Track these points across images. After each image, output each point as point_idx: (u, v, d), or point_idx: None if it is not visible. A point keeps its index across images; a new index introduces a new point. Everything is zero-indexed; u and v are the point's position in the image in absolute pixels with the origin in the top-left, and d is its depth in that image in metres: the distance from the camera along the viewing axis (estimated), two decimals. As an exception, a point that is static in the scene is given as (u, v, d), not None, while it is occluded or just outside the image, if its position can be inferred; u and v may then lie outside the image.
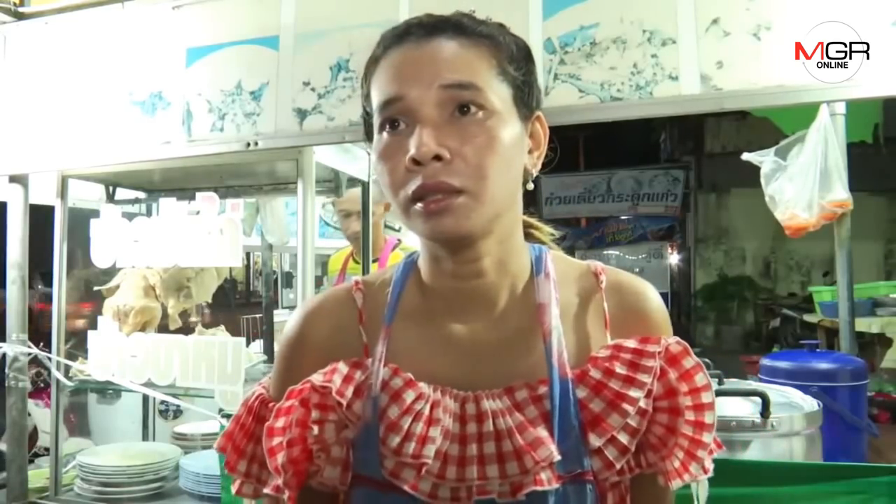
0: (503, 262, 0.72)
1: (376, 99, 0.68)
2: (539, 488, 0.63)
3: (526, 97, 0.70)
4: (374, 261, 2.71)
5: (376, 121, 0.68)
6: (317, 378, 0.69)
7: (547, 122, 0.75)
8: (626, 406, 0.65)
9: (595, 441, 0.65)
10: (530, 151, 0.73)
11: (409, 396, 0.67)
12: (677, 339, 0.69)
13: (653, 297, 0.75)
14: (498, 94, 0.67)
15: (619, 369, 0.67)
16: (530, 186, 0.75)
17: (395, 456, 0.65)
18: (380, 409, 0.68)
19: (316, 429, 0.68)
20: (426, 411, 0.67)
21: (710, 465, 0.69)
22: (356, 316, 0.75)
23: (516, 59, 0.70)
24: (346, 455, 0.70)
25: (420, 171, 0.63)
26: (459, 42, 0.67)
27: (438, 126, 0.64)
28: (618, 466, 0.66)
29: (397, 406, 0.67)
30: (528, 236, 0.82)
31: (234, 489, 0.73)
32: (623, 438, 0.66)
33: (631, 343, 0.69)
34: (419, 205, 0.64)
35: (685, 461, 0.67)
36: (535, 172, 0.74)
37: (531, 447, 0.64)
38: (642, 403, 0.66)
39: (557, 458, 0.64)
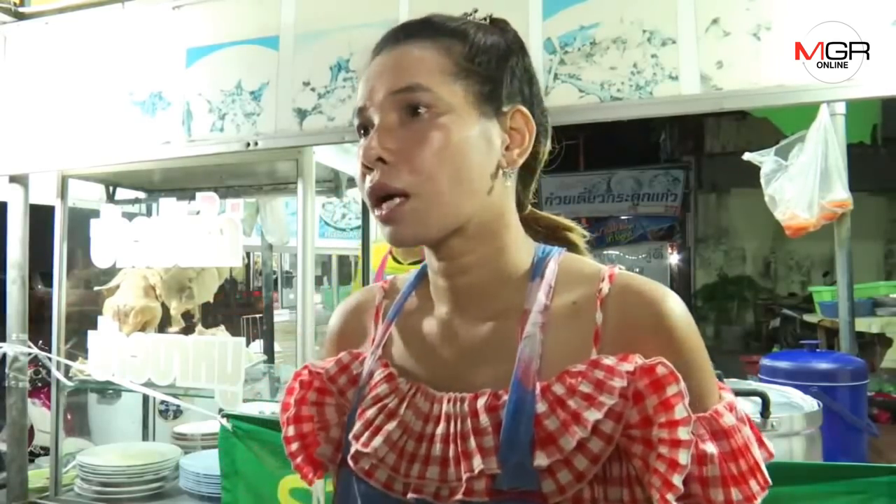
0: (489, 261, 0.71)
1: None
2: (466, 498, 0.62)
3: (493, 92, 0.69)
4: (417, 262, 2.71)
5: (354, 127, 0.72)
6: (316, 363, 0.77)
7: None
8: (577, 428, 0.60)
9: (541, 460, 0.60)
10: (508, 147, 0.70)
11: (384, 390, 0.71)
12: (663, 360, 0.60)
13: (669, 310, 0.65)
14: (452, 91, 0.67)
15: (584, 387, 0.61)
16: (510, 183, 0.71)
17: (354, 441, 0.69)
18: (360, 399, 0.72)
19: (315, 409, 0.76)
20: (393, 406, 0.70)
21: None
22: (373, 312, 0.81)
23: (482, 53, 0.69)
24: (341, 437, 0.75)
25: (370, 174, 0.67)
26: (420, 44, 0.68)
27: (389, 129, 0.66)
28: (570, 492, 0.60)
29: (370, 398, 0.71)
30: (561, 238, 0.80)
31: (287, 450, 0.79)
32: (580, 463, 0.60)
33: (608, 360, 0.62)
34: (377, 212, 0.67)
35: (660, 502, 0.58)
36: (511, 170, 0.71)
37: (467, 456, 0.63)
38: (606, 428, 0.60)
39: (494, 471, 0.61)
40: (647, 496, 0.61)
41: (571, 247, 0.79)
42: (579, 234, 0.81)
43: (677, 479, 0.57)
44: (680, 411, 0.59)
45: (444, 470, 0.65)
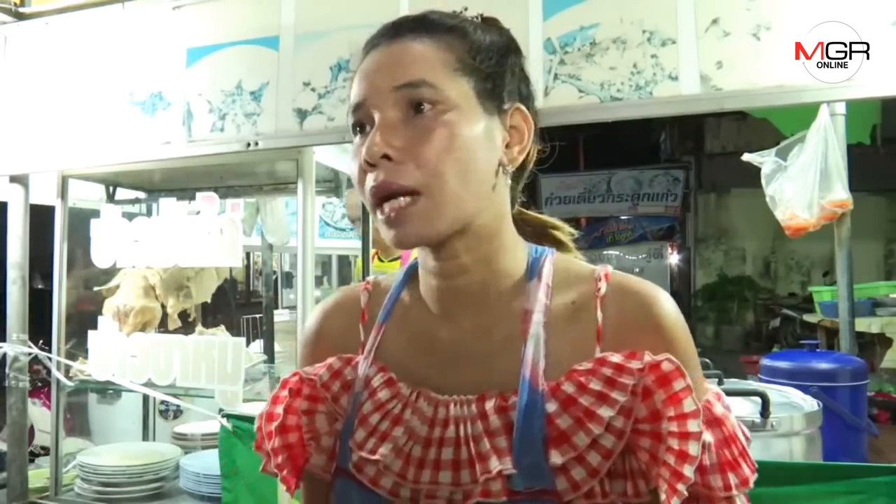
0: (488, 261, 0.70)
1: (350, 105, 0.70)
2: (483, 500, 0.62)
3: (495, 89, 0.69)
4: (396, 258, 2.77)
5: (349, 125, 0.70)
6: (307, 370, 0.74)
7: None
8: (592, 425, 0.61)
9: (556, 458, 0.61)
10: (508, 145, 0.70)
11: (385, 395, 0.69)
12: (669, 356, 0.62)
13: (664, 308, 0.67)
14: (457, 88, 0.66)
15: (594, 385, 0.62)
16: (508, 182, 0.72)
17: (358, 450, 0.67)
18: (358, 405, 0.70)
19: (305, 418, 0.73)
20: (397, 411, 0.68)
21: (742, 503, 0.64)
22: (359, 315, 0.78)
23: (485, 51, 0.69)
24: (334, 445, 0.73)
25: (373, 172, 0.64)
26: (420, 40, 0.67)
27: (392, 126, 0.65)
28: (584, 488, 0.61)
29: (372, 403, 0.69)
30: (548, 237, 0.81)
31: (261, 467, 0.75)
32: (593, 459, 0.61)
33: (615, 357, 0.63)
34: (380, 213, 0.65)
35: (668, 493, 0.59)
36: (511, 168, 0.70)
37: (482, 458, 0.62)
38: (617, 423, 0.61)
39: (511, 471, 0.61)
40: (650, 488, 0.62)
41: (560, 245, 0.80)
42: (566, 233, 0.82)
43: (688, 470, 0.59)
44: (688, 404, 0.61)
45: (456, 473, 0.64)
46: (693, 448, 0.59)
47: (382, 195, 0.64)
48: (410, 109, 0.65)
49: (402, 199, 0.63)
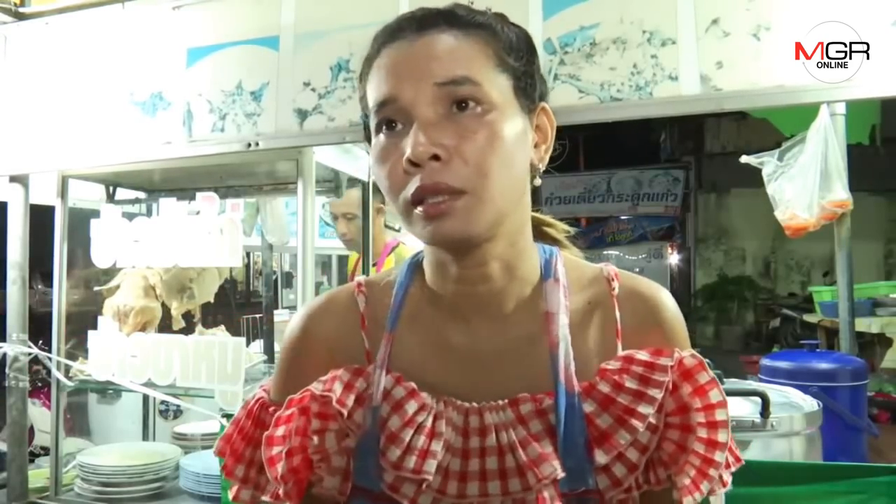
0: (511, 265, 0.68)
1: (371, 100, 0.65)
2: None
3: (528, 88, 0.67)
4: (372, 264, 2.74)
5: (373, 122, 0.66)
6: (317, 387, 0.66)
7: None
8: (634, 422, 0.62)
9: (601, 458, 0.62)
10: (536, 145, 0.69)
11: (412, 407, 0.65)
12: (692, 352, 0.66)
13: (669, 306, 0.71)
14: (497, 86, 0.63)
15: (629, 383, 0.63)
16: (538, 182, 0.71)
17: (394, 470, 0.63)
18: (380, 420, 0.65)
19: (316, 438, 0.66)
20: (428, 423, 0.64)
21: (728, 478, 0.66)
22: (358, 320, 0.72)
23: (516, 49, 0.66)
24: (347, 465, 0.67)
25: (417, 173, 0.60)
26: (454, 34, 0.64)
27: (435, 124, 0.61)
28: (625, 484, 0.63)
29: (398, 417, 0.64)
30: (542, 234, 0.79)
31: (230, 494, 0.71)
32: (632, 455, 0.63)
33: (643, 355, 0.65)
34: (419, 209, 0.61)
35: (696, 479, 0.62)
36: (542, 167, 0.70)
37: (534, 463, 0.61)
38: (652, 419, 0.63)
39: (561, 475, 0.61)
40: (667, 475, 0.65)
41: (555, 243, 0.79)
42: (560, 230, 0.82)
43: (719, 455, 0.63)
44: (715, 395, 0.64)
45: (504, 483, 0.62)
46: (722, 436, 0.63)
47: (425, 196, 0.61)
48: (452, 107, 0.62)
49: (444, 195, 0.60)
